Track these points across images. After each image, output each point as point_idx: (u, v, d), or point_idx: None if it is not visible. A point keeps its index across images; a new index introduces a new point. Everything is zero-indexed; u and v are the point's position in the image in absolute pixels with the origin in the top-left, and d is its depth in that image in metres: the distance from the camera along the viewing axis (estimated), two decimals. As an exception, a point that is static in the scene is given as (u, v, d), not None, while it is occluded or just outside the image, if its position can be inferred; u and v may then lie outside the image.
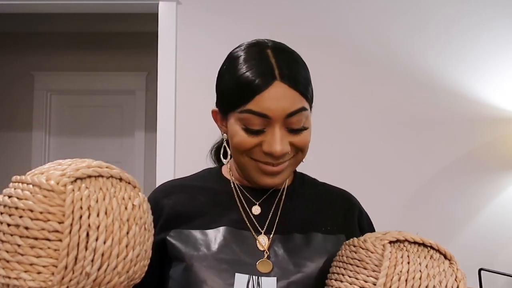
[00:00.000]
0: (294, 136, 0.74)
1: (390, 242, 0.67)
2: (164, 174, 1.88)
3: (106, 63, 3.18)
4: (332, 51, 1.97)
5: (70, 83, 3.20)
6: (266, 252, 0.74)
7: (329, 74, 1.96)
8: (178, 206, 0.79)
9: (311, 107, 0.77)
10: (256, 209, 0.79)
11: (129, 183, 0.60)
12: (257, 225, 0.77)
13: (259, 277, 0.70)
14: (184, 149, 1.92)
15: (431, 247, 0.68)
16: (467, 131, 1.94)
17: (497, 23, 1.97)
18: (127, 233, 0.55)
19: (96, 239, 0.52)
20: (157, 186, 0.87)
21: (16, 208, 0.52)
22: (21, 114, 3.17)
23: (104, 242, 0.53)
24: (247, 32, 1.96)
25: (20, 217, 0.52)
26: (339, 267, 0.69)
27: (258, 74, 0.72)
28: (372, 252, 0.66)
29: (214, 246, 0.73)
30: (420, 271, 0.63)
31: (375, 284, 0.63)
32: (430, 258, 0.66)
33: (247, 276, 0.70)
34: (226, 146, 0.80)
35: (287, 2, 1.99)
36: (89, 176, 0.56)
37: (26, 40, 3.19)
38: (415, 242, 0.67)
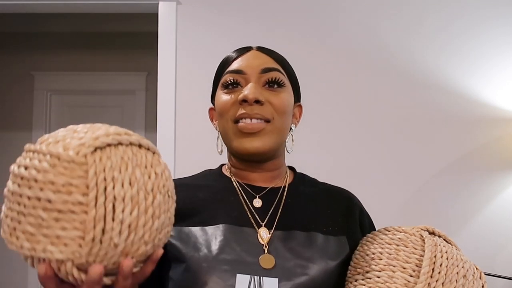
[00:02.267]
0: (272, 93, 0.79)
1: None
2: (164, 174, 1.88)
3: (106, 63, 3.17)
4: (331, 50, 1.97)
5: (70, 83, 3.19)
6: (266, 246, 0.73)
7: (329, 74, 1.96)
8: (178, 204, 0.79)
9: (295, 95, 0.85)
10: (257, 202, 0.80)
11: (148, 149, 0.58)
12: (258, 218, 0.77)
13: (261, 278, 0.70)
14: (184, 149, 1.92)
15: (450, 243, 0.73)
16: (468, 131, 1.93)
17: (497, 22, 1.97)
18: (152, 202, 0.54)
19: (123, 210, 0.51)
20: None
21: (36, 180, 0.50)
22: (21, 114, 3.16)
23: (131, 213, 0.52)
24: (247, 32, 1.96)
25: (41, 189, 0.50)
26: (374, 248, 0.72)
27: (236, 51, 0.83)
28: (410, 235, 0.70)
29: (215, 246, 0.72)
30: (455, 254, 0.68)
31: (419, 260, 0.66)
32: (458, 250, 0.71)
33: (248, 276, 0.69)
34: (220, 138, 0.85)
35: (288, 4, 1.99)
36: (109, 145, 0.54)
37: (26, 40, 3.18)
38: (439, 236, 0.73)
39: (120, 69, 3.17)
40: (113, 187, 0.51)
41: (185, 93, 1.95)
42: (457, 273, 0.66)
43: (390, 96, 1.95)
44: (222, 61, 0.85)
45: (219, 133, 0.85)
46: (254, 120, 0.76)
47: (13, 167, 0.53)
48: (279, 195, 0.82)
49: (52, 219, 0.50)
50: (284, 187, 0.83)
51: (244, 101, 0.76)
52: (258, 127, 0.77)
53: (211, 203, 0.80)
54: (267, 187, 0.82)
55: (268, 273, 0.71)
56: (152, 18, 2.05)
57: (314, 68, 1.94)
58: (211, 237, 0.73)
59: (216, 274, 0.70)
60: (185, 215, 0.77)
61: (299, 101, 0.89)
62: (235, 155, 0.83)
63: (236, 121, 0.78)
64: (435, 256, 0.66)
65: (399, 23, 1.98)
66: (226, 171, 0.87)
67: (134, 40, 3.08)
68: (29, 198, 0.50)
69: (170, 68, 1.95)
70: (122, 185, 0.52)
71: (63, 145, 0.52)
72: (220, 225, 0.75)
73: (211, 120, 0.89)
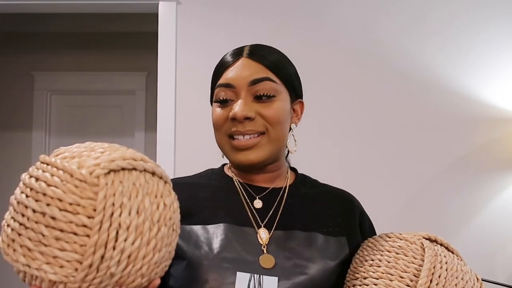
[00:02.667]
0: (262, 106, 0.78)
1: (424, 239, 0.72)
2: (164, 174, 1.88)
3: (106, 63, 3.17)
4: (331, 49, 1.97)
5: (70, 83, 3.19)
6: (264, 247, 0.74)
7: (330, 73, 1.96)
8: (179, 202, 0.79)
9: (293, 94, 0.83)
10: (258, 203, 0.80)
11: (161, 178, 0.57)
12: (258, 219, 0.78)
13: (261, 276, 0.70)
14: (184, 149, 1.92)
15: (452, 253, 0.72)
16: (467, 131, 1.93)
17: (497, 22, 1.97)
18: (156, 234, 0.53)
19: (125, 240, 0.49)
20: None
21: (44, 194, 0.49)
22: (21, 114, 3.16)
23: (133, 243, 0.50)
24: (248, 31, 1.97)
25: (48, 205, 0.48)
26: (374, 255, 0.71)
27: (230, 55, 0.82)
28: (411, 243, 0.70)
29: (216, 245, 0.73)
30: (456, 265, 0.68)
31: (417, 270, 0.66)
32: (459, 260, 0.71)
33: (248, 275, 0.70)
34: None
35: (288, 4, 1.99)
36: (123, 169, 0.53)
37: (26, 40, 3.18)
38: (441, 244, 0.72)
39: (120, 69, 3.17)
40: (120, 214, 0.50)
41: (185, 93, 1.95)
42: (456, 285, 0.65)
43: (389, 97, 1.95)
44: (217, 65, 0.84)
45: None
46: (247, 136, 0.77)
47: (24, 176, 0.52)
48: (279, 195, 0.82)
49: (52, 238, 0.48)
50: (285, 187, 0.84)
51: (235, 119, 0.77)
52: (253, 143, 0.77)
53: (213, 202, 0.80)
54: (268, 188, 0.83)
55: (268, 272, 0.71)
56: (152, 18, 2.05)
57: (311, 69, 1.94)
58: (212, 235, 0.74)
59: (217, 271, 0.70)
60: (187, 213, 0.77)
61: (301, 98, 0.87)
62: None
63: (231, 136, 0.78)
64: (434, 267, 0.66)
65: (401, 24, 1.98)
66: (228, 171, 0.87)
67: (134, 40, 3.08)
68: (34, 211, 0.49)
69: (170, 68, 1.95)
70: (129, 213, 0.50)
71: (78, 162, 0.51)
72: (221, 224, 0.75)
73: None
